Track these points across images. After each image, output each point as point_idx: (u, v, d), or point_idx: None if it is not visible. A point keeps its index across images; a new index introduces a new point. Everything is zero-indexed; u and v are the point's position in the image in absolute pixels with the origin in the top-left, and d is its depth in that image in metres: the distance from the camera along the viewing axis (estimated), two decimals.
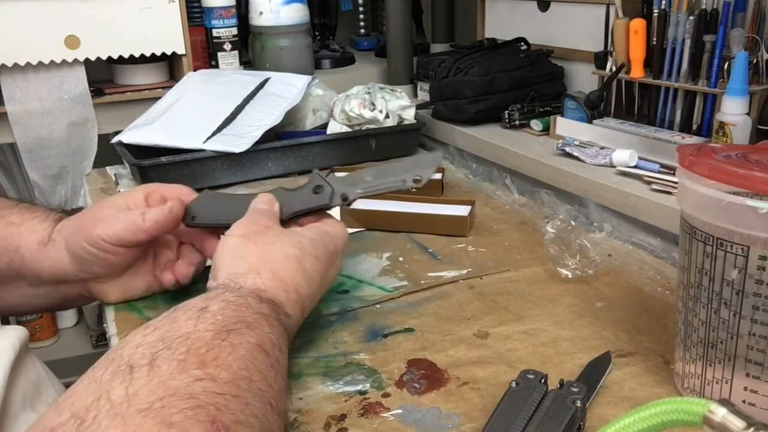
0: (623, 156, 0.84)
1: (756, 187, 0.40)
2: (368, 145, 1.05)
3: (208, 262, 0.64)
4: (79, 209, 0.73)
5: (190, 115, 1.02)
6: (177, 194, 0.64)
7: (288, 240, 0.55)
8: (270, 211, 0.60)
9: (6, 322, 0.58)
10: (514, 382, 0.46)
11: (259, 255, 0.53)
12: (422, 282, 0.68)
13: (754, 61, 0.82)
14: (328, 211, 0.64)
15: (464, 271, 0.70)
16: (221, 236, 0.57)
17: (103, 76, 1.32)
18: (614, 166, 0.85)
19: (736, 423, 0.30)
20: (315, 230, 0.59)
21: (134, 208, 0.62)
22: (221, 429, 0.35)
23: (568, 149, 0.90)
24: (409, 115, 1.08)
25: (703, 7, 0.85)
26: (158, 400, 0.35)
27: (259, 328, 0.45)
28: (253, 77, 1.12)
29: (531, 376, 0.47)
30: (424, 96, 1.26)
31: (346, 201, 0.63)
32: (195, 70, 1.21)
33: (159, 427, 0.33)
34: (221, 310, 0.44)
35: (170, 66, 1.34)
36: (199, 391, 0.37)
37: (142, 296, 0.66)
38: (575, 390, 0.45)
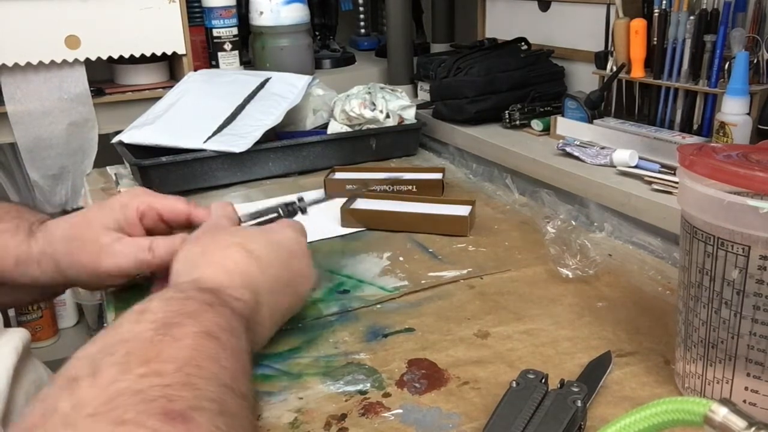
0: (623, 156, 0.84)
1: (757, 187, 0.40)
2: (368, 145, 1.05)
3: None
4: (79, 209, 0.73)
5: (190, 114, 1.03)
6: (174, 212, 0.63)
7: (230, 232, 0.56)
8: (223, 216, 0.61)
9: (7, 323, 0.58)
10: (514, 382, 0.46)
11: (201, 251, 0.54)
12: (422, 282, 0.68)
13: (755, 61, 0.82)
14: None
15: (464, 271, 0.70)
16: None
17: (104, 76, 1.32)
18: (615, 166, 0.85)
19: (738, 423, 0.30)
20: (265, 226, 0.60)
21: (130, 231, 0.62)
22: (176, 417, 0.35)
23: (568, 149, 0.90)
24: (410, 115, 1.08)
25: (704, 7, 0.85)
26: (106, 403, 0.35)
27: (202, 316, 0.44)
28: (254, 77, 1.12)
29: (531, 376, 0.47)
30: (424, 96, 1.26)
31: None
32: (195, 70, 1.21)
33: (111, 428, 0.33)
34: (161, 308, 0.44)
35: (170, 66, 1.34)
36: (146, 387, 0.36)
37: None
38: (576, 390, 0.45)
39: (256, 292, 0.52)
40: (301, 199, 0.68)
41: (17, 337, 0.54)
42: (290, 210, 0.67)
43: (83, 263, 0.60)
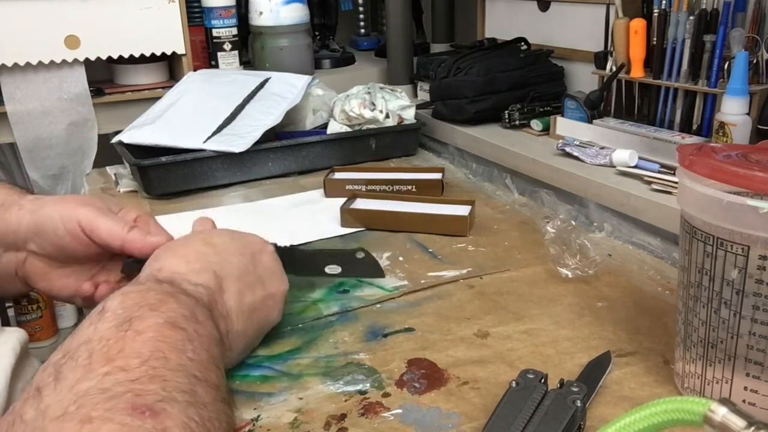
0: (623, 156, 0.84)
1: (756, 187, 0.40)
2: (368, 145, 1.05)
3: None
4: None
5: (190, 114, 1.03)
6: (163, 234, 0.61)
7: (196, 233, 0.57)
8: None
9: (6, 323, 0.57)
10: (514, 382, 0.46)
11: (166, 248, 0.54)
12: (422, 282, 0.68)
13: (754, 61, 0.82)
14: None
15: (464, 271, 0.70)
16: None
17: (103, 76, 1.32)
18: (614, 166, 0.85)
19: (737, 422, 0.30)
20: (227, 228, 0.60)
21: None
22: (145, 411, 0.35)
23: (568, 149, 0.90)
24: (409, 115, 1.08)
25: (703, 7, 0.85)
26: (72, 404, 0.35)
27: (164, 306, 0.44)
28: (253, 77, 1.12)
29: (531, 376, 0.47)
30: (424, 96, 1.26)
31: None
32: (195, 70, 1.21)
33: (79, 426, 0.33)
34: (120, 304, 0.43)
35: (170, 66, 1.34)
36: (112, 384, 0.36)
37: (63, 300, 0.64)
38: (575, 390, 0.45)
39: (218, 276, 0.51)
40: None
41: (14, 337, 0.54)
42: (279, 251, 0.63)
43: (65, 203, 0.59)
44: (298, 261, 0.64)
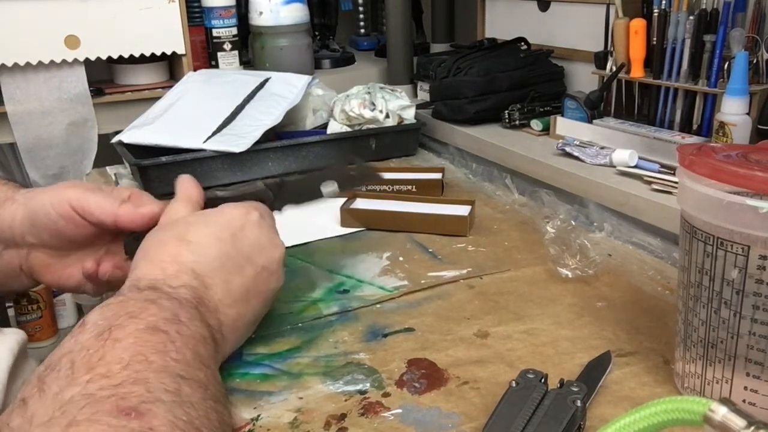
0: (623, 156, 0.84)
1: (756, 187, 0.40)
2: (368, 145, 1.05)
3: None
4: None
5: (190, 114, 1.03)
6: (155, 204, 0.61)
7: (168, 227, 0.55)
8: (183, 201, 0.59)
9: (6, 323, 0.57)
10: (514, 382, 0.46)
11: (142, 253, 0.53)
12: (422, 282, 0.68)
13: (754, 60, 0.82)
14: None
15: (464, 271, 0.70)
16: None
17: (103, 76, 1.32)
18: (614, 166, 0.85)
19: (737, 422, 0.30)
20: (207, 210, 0.58)
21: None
22: (130, 413, 0.35)
23: (568, 149, 0.90)
24: (409, 115, 1.08)
25: (703, 7, 0.85)
26: (57, 410, 0.35)
27: (144, 313, 0.44)
28: (253, 77, 1.12)
29: (531, 376, 0.47)
30: (424, 96, 1.26)
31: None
32: (195, 70, 1.21)
33: (65, 430, 0.34)
34: (101, 315, 0.44)
35: (170, 66, 1.34)
36: (95, 389, 0.37)
37: (71, 291, 0.64)
38: (575, 389, 0.45)
39: (200, 274, 0.51)
40: (282, 182, 0.63)
41: (12, 338, 0.54)
42: (269, 190, 0.62)
43: (54, 189, 0.58)
44: (292, 192, 0.63)
